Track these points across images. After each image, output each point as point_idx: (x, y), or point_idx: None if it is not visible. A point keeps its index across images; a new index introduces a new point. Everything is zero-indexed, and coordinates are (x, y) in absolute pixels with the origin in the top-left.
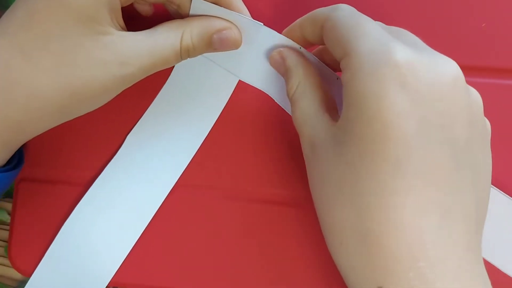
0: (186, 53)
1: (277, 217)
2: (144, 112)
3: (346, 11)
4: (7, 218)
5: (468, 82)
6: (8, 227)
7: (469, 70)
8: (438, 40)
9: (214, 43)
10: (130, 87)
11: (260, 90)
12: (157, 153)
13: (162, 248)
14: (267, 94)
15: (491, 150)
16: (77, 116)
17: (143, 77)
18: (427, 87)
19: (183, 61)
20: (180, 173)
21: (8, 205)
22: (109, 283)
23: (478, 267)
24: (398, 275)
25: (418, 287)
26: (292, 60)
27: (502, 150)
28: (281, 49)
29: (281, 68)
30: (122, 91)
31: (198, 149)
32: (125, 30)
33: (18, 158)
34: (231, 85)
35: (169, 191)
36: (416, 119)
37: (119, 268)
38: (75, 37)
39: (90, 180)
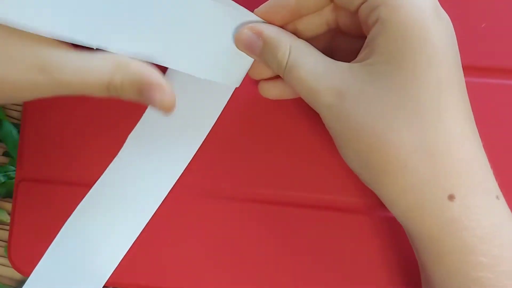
0: (113, 92)
1: (276, 218)
2: (144, 112)
3: None
4: (7, 218)
5: (468, 82)
6: (8, 227)
7: (469, 70)
8: None
9: (143, 92)
10: None
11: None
12: (157, 154)
13: (160, 248)
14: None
15: (491, 150)
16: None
17: (65, 94)
18: (447, 19)
19: None
20: (180, 174)
21: (8, 205)
22: (108, 283)
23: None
24: (467, 177)
25: (481, 185)
26: (270, 29)
27: (502, 150)
28: (251, 24)
29: (256, 47)
30: None
31: (197, 150)
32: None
33: None
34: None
35: (168, 191)
36: (450, 43)
37: (118, 268)
38: (6, 34)
39: (90, 180)
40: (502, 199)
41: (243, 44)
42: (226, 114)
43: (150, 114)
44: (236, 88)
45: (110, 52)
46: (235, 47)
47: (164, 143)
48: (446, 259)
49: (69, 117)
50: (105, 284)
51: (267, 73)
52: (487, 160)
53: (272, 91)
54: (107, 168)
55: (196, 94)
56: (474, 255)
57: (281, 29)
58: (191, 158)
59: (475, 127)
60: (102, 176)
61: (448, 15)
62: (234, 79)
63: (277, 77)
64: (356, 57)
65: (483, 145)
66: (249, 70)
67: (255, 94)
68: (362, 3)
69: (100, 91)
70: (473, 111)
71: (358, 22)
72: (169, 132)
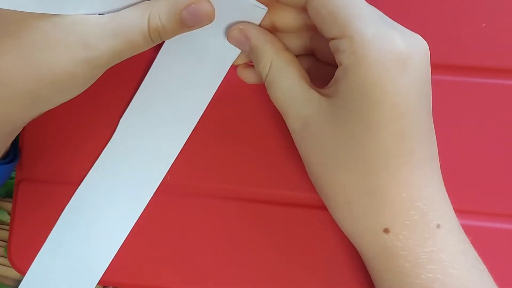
0: (156, 34)
1: (275, 217)
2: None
3: None
4: (7, 218)
5: (468, 82)
6: (8, 227)
7: (469, 70)
8: (438, 40)
9: (185, 20)
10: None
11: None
12: (144, 149)
13: (157, 247)
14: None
15: (491, 150)
16: (53, 105)
17: (112, 63)
18: (419, 66)
19: (171, 43)
20: (167, 168)
21: (8, 205)
22: (104, 282)
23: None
24: (402, 215)
25: (418, 220)
26: (258, 38)
27: (502, 150)
28: (241, 26)
29: (244, 47)
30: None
31: (193, 147)
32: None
33: (13, 153)
34: (225, 64)
35: (157, 186)
36: (415, 95)
37: (114, 268)
38: (32, 20)
39: None
40: (445, 227)
41: (234, 41)
42: (217, 112)
43: (134, 108)
44: (233, 85)
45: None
46: None
47: (151, 138)
48: (385, 276)
49: (69, 117)
50: (98, 283)
51: (248, 59)
52: (438, 193)
53: (250, 76)
54: (94, 165)
55: (184, 83)
56: (408, 277)
57: (269, 38)
58: (179, 151)
59: (434, 164)
60: (89, 173)
61: (449, 15)
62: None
63: None
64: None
65: (483, 145)
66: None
67: (254, 92)
68: (332, 39)
69: (145, 42)
70: (473, 111)
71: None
72: (156, 125)
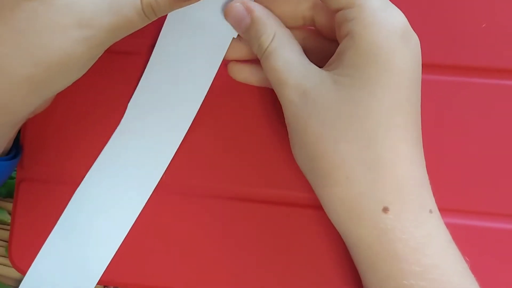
0: (149, 9)
1: (274, 217)
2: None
3: None
4: (7, 218)
5: (468, 83)
6: (8, 227)
7: (469, 70)
8: (438, 40)
9: None
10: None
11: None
12: (142, 148)
13: (156, 247)
14: (267, 91)
15: (491, 150)
16: (55, 91)
17: (110, 41)
18: (417, 41)
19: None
20: (165, 168)
21: (9, 205)
22: (104, 282)
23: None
24: (401, 192)
25: (415, 201)
26: (261, 11)
27: (502, 150)
28: (240, 1)
29: (243, 22)
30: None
31: (190, 147)
32: None
33: (15, 150)
34: (223, 45)
35: (154, 185)
36: (416, 68)
37: (115, 268)
38: (26, 3)
39: None
40: (436, 213)
41: (232, 16)
42: (214, 111)
43: (133, 109)
44: (233, 83)
45: None
46: None
47: (149, 137)
48: (380, 266)
49: (70, 117)
50: (98, 282)
51: (241, 54)
52: (426, 178)
53: (240, 73)
54: (92, 166)
55: (182, 75)
56: (407, 264)
57: (271, 13)
58: (176, 150)
59: (421, 148)
60: (87, 174)
61: (449, 15)
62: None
63: (247, 60)
64: (327, 61)
65: (483, 145)
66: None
67: (256, 91)
68: (338, 10)
69: (139, 19)
70: (473, 111)
71: (333, 24)
72: (154, 124)
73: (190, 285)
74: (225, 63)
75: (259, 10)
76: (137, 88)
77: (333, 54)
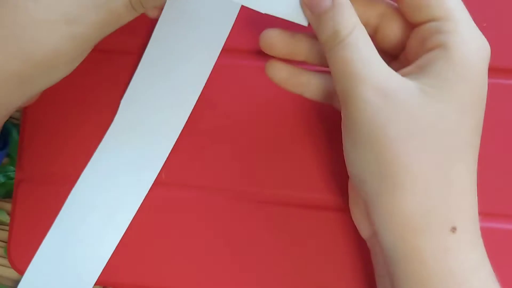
0: (137, 2)
1: (273, 217)
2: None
3: None
4: (6, 218)
5: None
6: (7, 228)
7: None
8: None
9: None
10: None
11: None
12: (138, 146)
13: (154, 247)
14: (267, 90)
15: (491, 150)
16: (44, 86)
17: (99, 37)
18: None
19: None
20: (161, 165)
21: (8, 206)
22: (102, 282)
23: None
24: (469, 214)
25: (474, 223)
26: None
27: (503, 150)
28: None
29: (324, 3)
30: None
31: (188, 145)
32: None
33: (3, 142)
34: (216, 48)
35: (150, 184)
36: (486, 94)
37: (112, 268)
38: (11, 1)
39: None
40: (481, 240)
41: None
42: (212, 111)
43: (127, 105)
44: (233, 83)
45: None
46: None
47: (144, 134)
48: (432, 283)
49: (69, 118)
50: (96, 283)
51: (286, 49)
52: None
53: (280, 73)
54: (87, 165)
55: (179, 67)
56: (459, 285)
57: (352, 5)
58: (171, 147)
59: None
60: (83, 172)
61: None
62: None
63: (288, 60)
64: None
65: (483, 145)
66: (266, 41)
67: (260, 90)
68: (428, 21)
69: (127, 12)
70: None
71: (399, 37)
72: (149, 121)
73: (188, 285)
74: (220, 60)
75: None
76: (129, 85)
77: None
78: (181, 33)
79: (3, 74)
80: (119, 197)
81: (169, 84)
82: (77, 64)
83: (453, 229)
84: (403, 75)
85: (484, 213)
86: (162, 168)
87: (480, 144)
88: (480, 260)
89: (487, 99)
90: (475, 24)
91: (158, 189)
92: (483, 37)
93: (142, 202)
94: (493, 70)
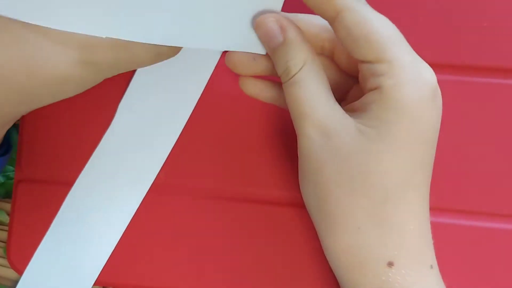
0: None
1: (268, 217)
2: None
3: (363, 3)
4: (6, 218)
5: (469, 82)
6: (7, 228)
7: (470, 70)
8: (439, 39)
9: None
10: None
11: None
12: (137, 147)
13: (153, 247)
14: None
15: (491, 150)
16: (45, 104)
17: (112, 73)
18: (440, 102)
19: None
20: (159, 167)
21: (7, 206)
22: (101, 283)
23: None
24: (407, 249)
25: (418, 256)
26: (295, 32)
27: (503, 150)
28: (276, 15)
29: (274, 39)
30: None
31: (188, 147)
32: None
33: (6, 147)
34: (213, 59)
35: (148, 186)
36: (437, 130)
37: (111, 268)
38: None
39: None
40: (435, 268)
41: (263, 32)
42: (221, 111)
43: (125, 107)
44: (226, 82)
45: None
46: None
47: (143, 136)
48: None
49: (69, 118)
50: (96, 283)
51: (256, 70)
52: (430, 232)
53: (253, 88)
54: (86, 165)
55: (175, 77)
56: None
57: (304, 37)
58: (171, 148)
59: (428, 202)
60: (82, 173)
61: (450, 14)
62: (260, 46)
63: (260, 76)
64: (341, 93)
65: (484, 145)
66: (229, 62)
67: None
68: (364, 62)
69: (146, 55)
70: (474, 111)
71: (353, 64)
72: (148, 123)
73: (187, 285)
74: (221, 62)
75: (293, 31)
76: (129, 86)
77: (349, 86)
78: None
79: (7, 86)
80: (118, 198)
81: (168, 87)
82: (86, 89)
83: (390, 264)
84: (351, 109)
85: (484, 213)
86: (162, 169)
87: (480, 144)
88: None
89: (487, 99)
90: (413, 56)
91: (155, 190)
92: (424, 70)
93: (142, 202)
94: (493, 70)
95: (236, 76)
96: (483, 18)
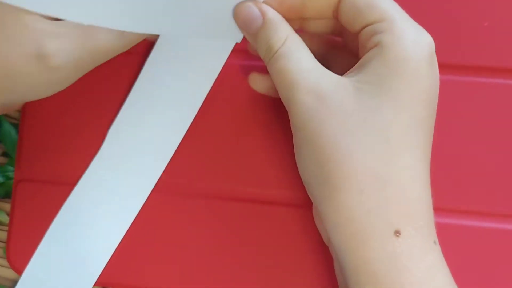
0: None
1: (263, 217)
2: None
3: None
4: (5, 219)
5: (469, 82)
6: (6, 228)
7: (470, 69)
8: (439, 39)
9: None
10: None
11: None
12: (139, 149)
13: (154, 248)
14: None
15: (491, 150)
16: (22, 100)
17: (75, 73)
18: (436, 66)
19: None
20: (162, 170)
21: (7, 206)
22: (102, 283)
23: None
24: (413, 217)
25: (423, 228)
26: (274, 13)
27: (503, 150)
28: (253, 1)
29: (254, 22)
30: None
31: (185, 149)
32: None
33: None
34: (218, 66)
35: (151, 188)
36: (436, 89)
37: (113, 269)
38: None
39: None
40: (438, 245)
41: (243, 16)
42: (211, 114)
43: (128, 110)
44: (223, 83)
45: None
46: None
47: (147, 136)
48: None
49: (68, 118)
50: (97, 283)
51: (265, 86)
52: (431, 204)
53: (263, 84)
54: (90, 165)
55: (180, 77)
56: None
57: (284, 19)
58: (175, 149)
59: (429, 169)
60: (85, 173)
61: (451, 14)
62: (236, 34)
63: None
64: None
65: (484, 144)
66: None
67: (243, 89)
68: (366, 26)
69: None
70: (475, 110)
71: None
72: (152, 123)
73: (188, 285)
74: (227, 62)
75: (272, 12)
76: (133, 87)
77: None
78: (187, 37)
79: None
80: (120, 199)
81: (173, 88)
82: (59, 89)
83: (397, 233)
84: (348, 74)
85: (484, 213)
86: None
87: (480, 144)
88: (433, 266)
89: (487, 99)
90: (413, 22)
91: (156, 191)
92: (423, 32)
93: (144, 204)
94: (495, 70)
95: (236, 78)
96: (483, 18)
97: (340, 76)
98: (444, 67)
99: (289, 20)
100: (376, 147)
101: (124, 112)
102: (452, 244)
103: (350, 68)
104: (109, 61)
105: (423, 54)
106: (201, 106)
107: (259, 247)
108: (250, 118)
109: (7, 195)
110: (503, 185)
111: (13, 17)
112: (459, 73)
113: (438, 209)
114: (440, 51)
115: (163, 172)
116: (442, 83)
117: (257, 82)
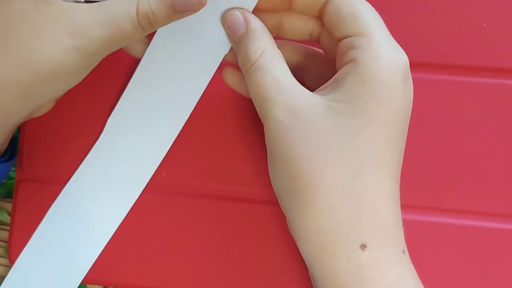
0: (146, 22)
1: (259, 216)
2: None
3: None
4: (7, 218)
5: (469, 82)
6: (8, 228)
7: (470, 70)
8: (439, 40)
9: (176, 4)
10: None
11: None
12: (133, 146)
13: (146, 246)
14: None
15: (491, 150)
16: (48, 98)
17: (104, 52)
18: (411, 84)
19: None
20: (156, 167)
21: (8, 206)
22: (91, 281)
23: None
24: (380, 230)
25: (391, 239)
26: (258, 24)
27: (502, 150)
28: (243, 9)
29: (238, 30)
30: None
31: (185, 146)
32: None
33: (11, 151)
34: (215, 61)
35: (144, 185)
36: (409, 108)
37: (112, 268)
38: (17, 8)
39: None
40: (407, 254)
41: (228, 23)
42: (206, 114)
43: (123, 105)
44: (219, 83)
45: None
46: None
47: (139, 135)
48: None
49: (69, 118)
50: (94, 282)
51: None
52: (400, 217)
53: (232, 78)
54: (81, 163)
55: (176, 76)
56: None
57: (268, 31)
58: (167, 149)
59: (399, 186)
60: (76, 171)
61: (449, 14)
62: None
63: None
64: (319, 86)
65: (484, 145)
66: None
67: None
68: (345, 37)
69: (134, 31)
70: (474, 111)
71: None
72: (145, 121)
73: (187, 284)
74: (223, 62)
75: (256, 23)
76: (128, 86)
77: (327, 80)
78: (182, 36)
79: (5, 83)
80: (111, 197)
81: (167, 88)
82: (82, 77)
83: (363, 246)
84: (320, 90)
85: (484, 213)
86: (162, 167)
87: (481, 144)
88: (401, 275)
89: (487, 99)
90: (390, 39)
91: (155, 189)
92: (399, 51)
93: (139, 202)
94: (493, 70)
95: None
96: (483, 18)
97: (314, 94)
98: (444, 67)
99: (275, 13)
100: (346, 166)
101: (118, 111)
102: (452, 244)
103: (325, 78)
104: (109, 62)
105: (397, 74)
106: (199, 106)
107: (250, 246)
108: (242, 118)
109: (8, 195)
110: (503, 185)
111: (38, 11)
112: (458, 73)
113: (437, 209)
114: (439, 51)
115: (164, 169)
116: (442, 83)
117: (228, 75)
